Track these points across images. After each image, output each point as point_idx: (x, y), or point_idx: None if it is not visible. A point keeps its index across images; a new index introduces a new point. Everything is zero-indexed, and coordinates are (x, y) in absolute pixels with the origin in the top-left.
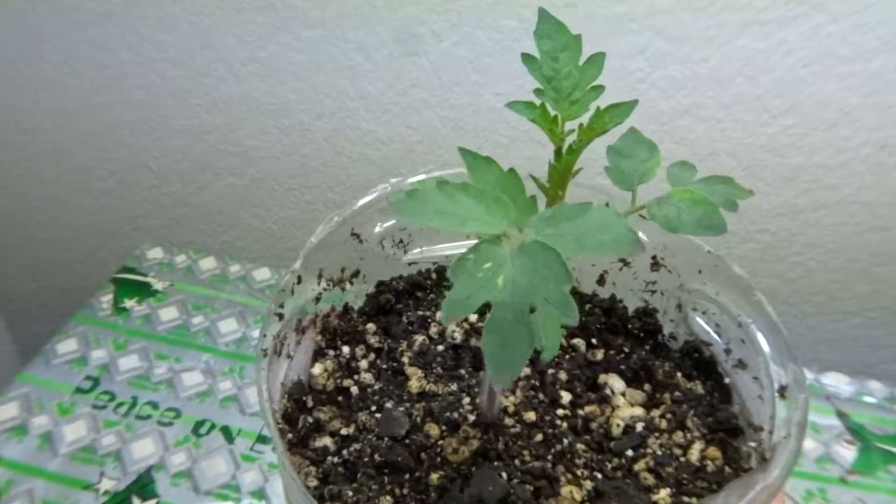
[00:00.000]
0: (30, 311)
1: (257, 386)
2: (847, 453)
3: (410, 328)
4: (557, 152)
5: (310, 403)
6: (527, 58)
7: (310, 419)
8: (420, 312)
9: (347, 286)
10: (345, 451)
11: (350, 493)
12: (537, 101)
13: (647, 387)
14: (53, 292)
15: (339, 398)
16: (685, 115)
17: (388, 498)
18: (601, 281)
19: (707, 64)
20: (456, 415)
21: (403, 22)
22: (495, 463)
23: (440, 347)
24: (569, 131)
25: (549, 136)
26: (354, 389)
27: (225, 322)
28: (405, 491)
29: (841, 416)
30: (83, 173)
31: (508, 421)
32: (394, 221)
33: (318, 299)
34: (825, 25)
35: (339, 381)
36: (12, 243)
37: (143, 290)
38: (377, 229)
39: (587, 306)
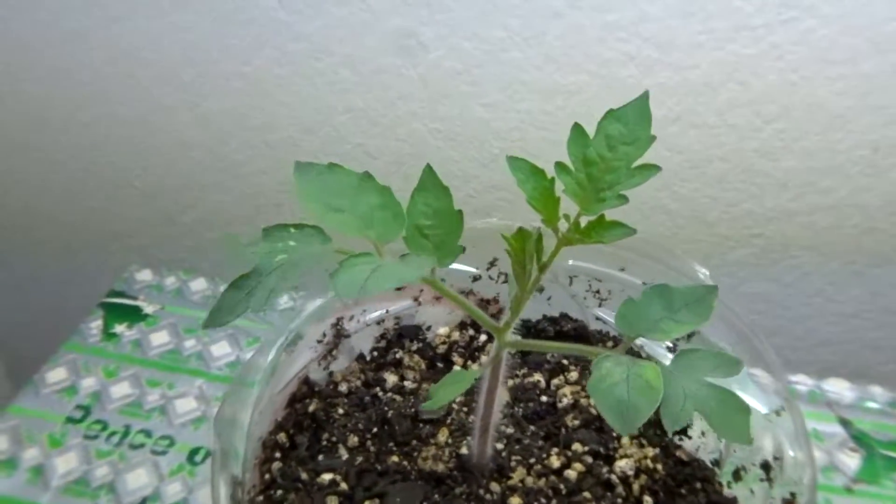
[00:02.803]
0: (16, 332)
1: None
2: (851, 462)
3: (547, 365)
4: (537, 240)
5: (415, 346)
6: (577, 129)
7: (396, 353)
8: (565, 361)
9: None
10: (386, 393)
11: (340, 412)
12: (543, 169)
13: None
14: (39, 313)
15: (437, 362)
16: (677, 122)
17: (355, 438)
18: (737, 476)
19: (697, 70)
20: (468, 443)
21: (390, 34)
22: (434, 496)
23: (545, 399)
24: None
25: (544, 215)
26: (458, 363)
27: (217, 345)
28: (369, 446)
29: (844, 423)
30: (66, 191)
31: (494, 485)
32: (592, 266)
33: (476, 279)
34: (815, 29)
35: (453, 349)
36: None
37: (133, 314)
38: (570, 262)
39: (698, 483)
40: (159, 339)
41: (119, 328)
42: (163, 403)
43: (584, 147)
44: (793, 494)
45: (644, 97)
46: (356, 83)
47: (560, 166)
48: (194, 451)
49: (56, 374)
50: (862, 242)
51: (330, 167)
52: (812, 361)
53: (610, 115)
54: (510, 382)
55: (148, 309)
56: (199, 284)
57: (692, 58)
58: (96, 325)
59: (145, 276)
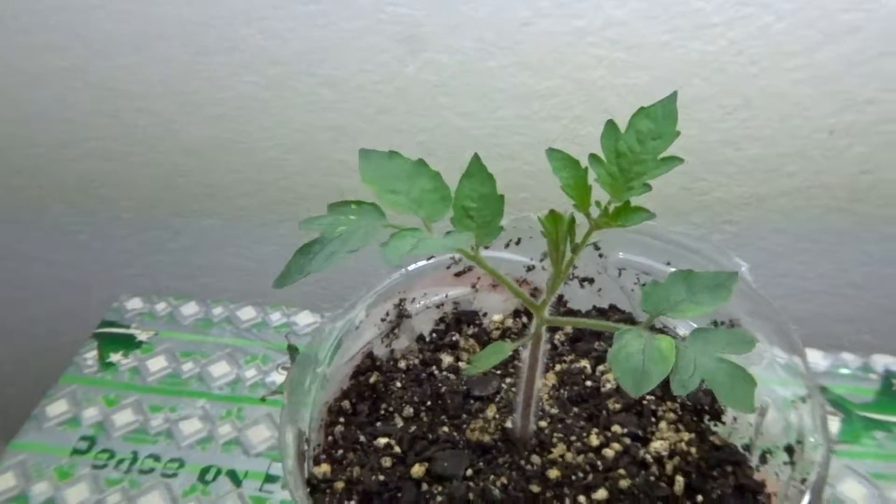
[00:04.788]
0: (8, 372)
1: None
2: (831, 425)
3: (594, 353)
4: (570, 223)
5: (471, 331)
6: (610, 125)
7: (453, 336)
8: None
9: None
10: (441, 371)
11: (398, 385)
12: (578, 160)
13: None
14: (32, 351)
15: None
16: None
17: (410, 409)
18: (763, 459)
19: (664, 68)
20: (512, 418)
21: (367, 52)
22: (479, 463)
23: (589, 384)
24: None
25: (577, 202)
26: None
27: (216, 366)
28: (423, 417)
29: (821, 390)
30: (54, 229)
31: (535, 458)
32: (643, 261)
33: (529, 268)
34: (772, 24)
35: (506, 335)
36: None
37: (127, 343)
38: (620, 255)
39: (730, 467)
40: (156, 364)
41: (115, 357)
42: (168, 427)
43: (616, 141)
44: (808, 474)
45: (672, 97)
46: (336, 101)
47: (594, 158)
48: (205, 471)
49: (56, 408)
50: (827, 221)
51: (389, 154)
52: None
53: (640, 113)
54: (558, 367)
55: (142, 336)
56: (190, 308)
57: (658, 57)
58: (91, 355)
59: (136, 304)
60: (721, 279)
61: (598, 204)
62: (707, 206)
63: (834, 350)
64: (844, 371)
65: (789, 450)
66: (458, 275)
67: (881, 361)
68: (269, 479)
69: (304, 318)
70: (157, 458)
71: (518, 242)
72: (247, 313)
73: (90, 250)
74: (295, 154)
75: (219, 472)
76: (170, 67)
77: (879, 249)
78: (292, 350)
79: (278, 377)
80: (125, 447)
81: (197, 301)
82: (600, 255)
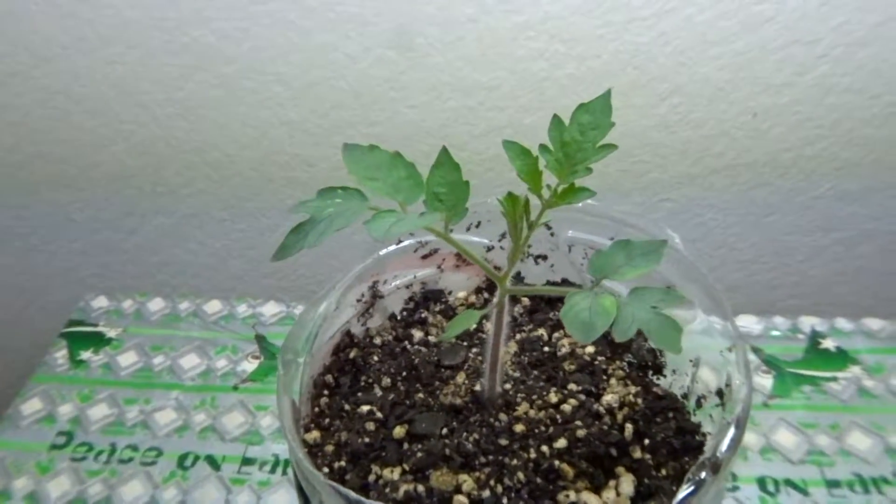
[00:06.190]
0: None
1: None
2: (765, 382)
3: (549, 322)
4: (525, 204)
5: (438, 308)
6: (556, 119)
7: (422, 313)
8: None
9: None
10: (413, 346)
11: (375, 359)
12: (531, 150)
13: None
14: None
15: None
16: None
17: (388, 379)
18: (699, 404)
19: (600, 60)
20: (480, 382)
21: (317, 50)
22: (453, 423)
23: (546, 349)
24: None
25: (531, 185)
26: (489, 327)
27: (186, 358)
28: (400, 386)
29: (756, 351)
30: (1, 233)
31: (502, 415)
32: (589, 237)
33: (489, 248)
34: (695, 16)
35: (467, 307)
36: None
37: (96, 340)
38: (570, 233)
39: (671, 413)
40: (127, 359)
41: (85, 355)
42: (143, 418)
43: (561, 132)
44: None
45: (606, 94)
46: (289, 98)
47: (543, 147)
48: (183, 457)
49: (31, 406)
50: (754, 196)
51: (370, 147)
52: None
53: (581, 108)
54: (518, 336)
55: (110, 333)
56: (156, 304)
57: (594, 49)
58: (62, 354)
59: (101, 302)
60: (654, 246)
61: (548, 187)
62: (646, 187)
63: (767, 314)
64: (775, 332)
65: (720, 393)
66: (424, 257)
67: (808, 322)
68: (247, 461)
69: (270, 309)
70: (135, 447)
71: (478, 226)
72: (213, 306)
73: (42, 254)
74: (249, 150)
75: (197, 458)
76: (118, 70)
77: (801, 219)
78: (260, 339)
79: (249, 366)
80: (103, 440)
81: (163, 297)
82: (552, 234)
